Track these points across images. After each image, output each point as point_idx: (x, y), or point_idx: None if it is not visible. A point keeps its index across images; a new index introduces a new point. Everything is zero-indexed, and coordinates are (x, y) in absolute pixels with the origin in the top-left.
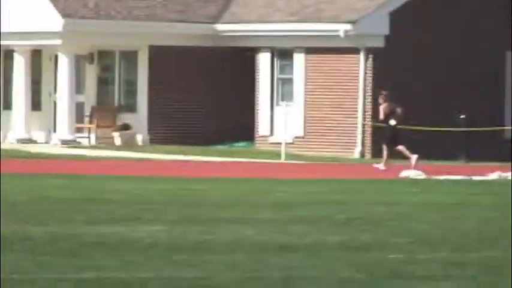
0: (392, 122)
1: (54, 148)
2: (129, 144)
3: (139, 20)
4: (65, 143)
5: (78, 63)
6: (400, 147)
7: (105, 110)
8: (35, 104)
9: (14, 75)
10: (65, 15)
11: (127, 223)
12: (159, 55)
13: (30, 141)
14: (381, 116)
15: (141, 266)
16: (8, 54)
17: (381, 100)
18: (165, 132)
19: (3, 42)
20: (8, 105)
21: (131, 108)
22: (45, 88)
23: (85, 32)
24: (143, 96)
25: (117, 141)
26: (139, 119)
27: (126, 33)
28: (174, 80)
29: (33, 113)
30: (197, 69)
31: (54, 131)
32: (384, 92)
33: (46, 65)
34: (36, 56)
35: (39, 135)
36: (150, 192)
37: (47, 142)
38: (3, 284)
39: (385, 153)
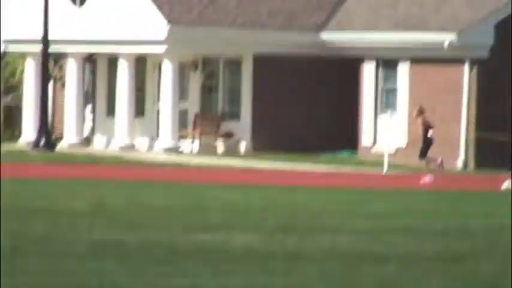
0: (430, 134)
1: (157, 155)
2: (231, 151)
3: (244, 28)
4: (167, 150)
5: (182, 70)
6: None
7: (209, 118)
8: (139, 111)
9: (118, 82)
10: (169, 22)
11: (224, 231)
12: (263, 63)
13: (133, 148)
14: (421, 130)
15: (235, 274)
16: (113, 61)
17: (416, 113)
18: (268, 140)
19: (109, 50)
20: (111, 112)
21: (234, 115)
22: (149, 95)
23: (189, 39)
24: (247, 104)
25: (220, 148)
26: (242, 126)
27: (231, 41)
28: (277, 88)
29: (137, 120)
30: (301, 77)
31: (157, 138)
32: (421, 106)
33: (150, 72)
34: (140, 63)
35: (142, 142)
36: (249, 200)
37: (149, 149)
38: None
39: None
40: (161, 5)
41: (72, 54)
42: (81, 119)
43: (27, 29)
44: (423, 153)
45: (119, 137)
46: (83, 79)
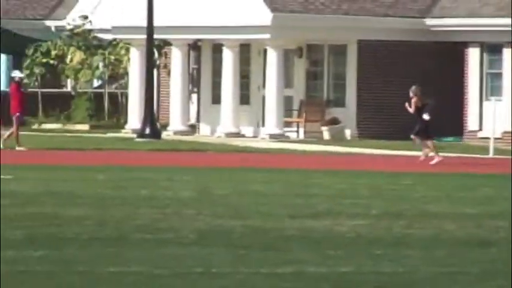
0: (426, 116)
1: (263, 142)
2: (337, 138)
3: (348, 14)
4: (273, 137)
5: (287, 57)
6: (429, 142)
7: (314, 104)
8: (244, 98)
9: (223, 69)
10: (274, 9)
11: (329, 217)
12: (368, 49)
13: (238, 135)
14: (412, 109)
15: (341, 261)
16: (217, 48)
17: (411, 93)
18: (373, 126)
19: (212, 37)
20: (216, 100)
21: (340, 102)
22: (254, 82)
23: (294, 26)
24: (352, 91)
25: (326, 135)
26: (347, 113)
27: (335, 27)
28: (382, 75)
29: (242, 107)
30: (406, 63)
31: (263, 125)
32: (414, 86)
33: (255, 59)
34: (245, 50)
35: (247, 130)
36: (355, 186)
37: (255, 136)
38: (200, 277)
39: (418, 142)
40: None
41: (177, 42)
42: (187, 106)
43: (131, 16)
44: (420, 133)
45: (224, 124)
46: (188, 67)
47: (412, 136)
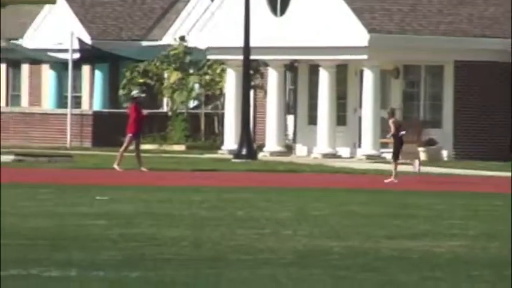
0: (402, 133)
1: (359, 163)
2: (434, 159)
3: (445, 35)
4: (369, 158)
5: (383, 78)
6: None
7: (411, 125)
8: (340, 119)
9: (319, 90)
10: (371, 30)
11: (428, 238)
12: (464, 70)
13: (334, 156)
14: (393, 130)
15: (439, 282)
16: (314, 69)
17: (388, 115)
18: (470, 147)
19: (309, 57)
20: (313, 120)
21: (436, 123)
22: (350, 103)
23: (391, 47)
24: (448, 111)
25: (422, 156)
26: (444, 134)
27: (432, 48)
28: (479, 95)
29: (338, 128)
30: (503, 84)
31: (359, 146)
32: (391, 107)
33: (351, 80)
34: (341, 70)
35: (343, 150)
36: (452, 207)
37: (351, 157)
38: None
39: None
40: (362, 13)
41: (273, 62)
42: (283, 127)
43: (228, 37)
44: (396, 155)
45: (320, 145)
46: (284, 87)
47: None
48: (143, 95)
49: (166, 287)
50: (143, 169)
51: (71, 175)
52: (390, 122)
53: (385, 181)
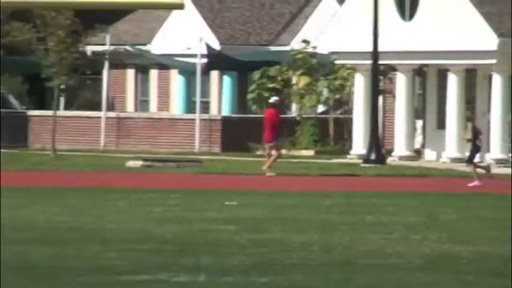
0: (479, 143)
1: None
2: None
3: None
4: (499, 162)
5: None
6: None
7: None
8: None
9: (448, 94)
10: (500, 34)
11: None
12: None
13: (463, 160)
14: (470, 135)
15: None
16: (443, 73)
17: (468, 119)
18: None
19: (438, 62)
20: (441, 125)
21: None
22: (479, 107)
23: None
24: None
25: None
26: None
27: None
28: None
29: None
30: None
31: (488, 150)
32: (470, 113)
33: (480, 84)
34: (470, 75)
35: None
36: None
37: (480, 162)
38: None
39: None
40: (491, 17)
41: (402, 67)
42: (412, 132)
43: (355, 42)
44: (470, 159)
45: (449, 149)
46: (413, 92)
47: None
48: (277, 98)
49: None
50: (269, 174)
51: (199, 180)
52: (469, 127)
53: (469, 185)
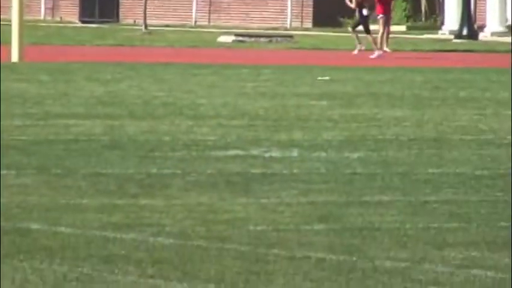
0: (365, 12)
1: None
2: None
3: None
4: None
5: None
6: (369, 37)
7: None
8: None
9: None
10: None
11: None
12: None
13: None
14: (353, 4)
15: None
16: None
17: None
18: None
19: None
20: None
21: None
22: None
23: None
24: None
25: None
26: None
27: None
28: None
29: None
30: None
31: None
32: None
33: None
34: None
35: None
36: None
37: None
38: None
39: (355, 36)
40: None
41: None
42: (504, 7)
43: None
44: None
45: None
46: None
47: (350, 30)
48: None
49: (388, 166)
50: (387, 49)
51: (291, 56)
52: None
53: (371, 57)
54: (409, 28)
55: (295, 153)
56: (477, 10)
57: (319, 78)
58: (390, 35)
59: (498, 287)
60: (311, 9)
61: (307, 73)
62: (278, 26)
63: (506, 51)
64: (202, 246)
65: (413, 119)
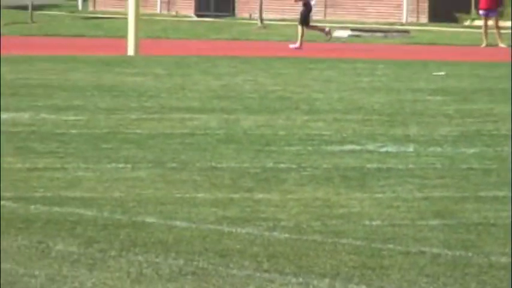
0: (313, 2)
1: None
2: None
3: None
4: None
5: None
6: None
7: None
8: None
9: None
10: None
11: None
12: None
13: None
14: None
15: None
16: None
17: None
18: None
19: None
20: None
21: None
22: None
23: None
24: None
25: None
26: None
27: None
28: None
29: None
30: None
31: None
32: None
33: None
34: None
35: None
36: None
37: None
38: None
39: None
40: None
41: None
42: None
43: None
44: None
45: None
46: None
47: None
48: None
49: (503, 162)
50: (501, 45)
51: (407, 51)
52: None
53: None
54: None
55: (410, 148)
56: None
57: (435, 73)
58: (506, 31)
59: None
60: (427, 4)
61: (423, 68)
62: (394, 21)
63: None
64: (317, 241)
65: None
